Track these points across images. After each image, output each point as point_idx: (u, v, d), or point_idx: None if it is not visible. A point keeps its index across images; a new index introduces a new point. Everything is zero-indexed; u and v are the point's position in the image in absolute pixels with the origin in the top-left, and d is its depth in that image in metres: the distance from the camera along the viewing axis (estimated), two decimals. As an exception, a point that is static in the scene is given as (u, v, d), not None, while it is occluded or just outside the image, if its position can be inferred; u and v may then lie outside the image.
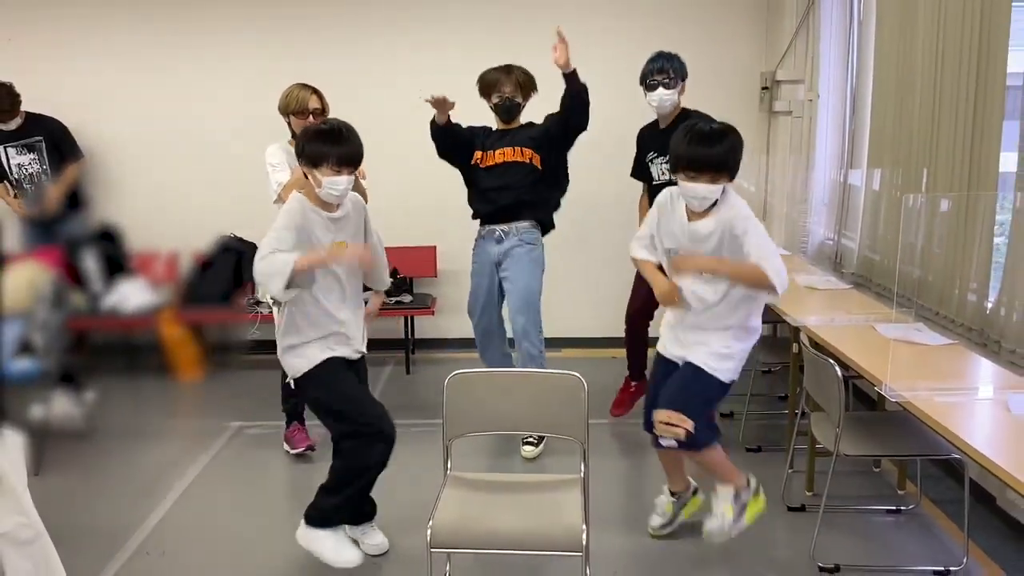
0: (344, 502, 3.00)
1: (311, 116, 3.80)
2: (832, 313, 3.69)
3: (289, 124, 3.90)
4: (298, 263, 2.74)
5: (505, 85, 3.88)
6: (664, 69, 3.89)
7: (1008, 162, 3.31)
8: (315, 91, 3.88)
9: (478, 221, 4.12)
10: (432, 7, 5.52)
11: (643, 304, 4.25)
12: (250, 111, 5.03)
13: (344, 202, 2.96)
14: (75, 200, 5.34)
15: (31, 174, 5.20)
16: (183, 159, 5.70)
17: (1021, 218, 3.18)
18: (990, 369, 3.04)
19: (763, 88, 5.47)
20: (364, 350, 3.14)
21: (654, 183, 4.13)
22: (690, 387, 2.95)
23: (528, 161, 3.92)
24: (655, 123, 4.15)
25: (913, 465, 3.58)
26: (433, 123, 3.90)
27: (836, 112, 5.00)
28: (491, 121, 4.07)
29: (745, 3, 5.50)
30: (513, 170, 3.93)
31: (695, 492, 3.30)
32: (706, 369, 2.93)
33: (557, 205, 4.14)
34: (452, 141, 3.94)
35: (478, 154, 3.98)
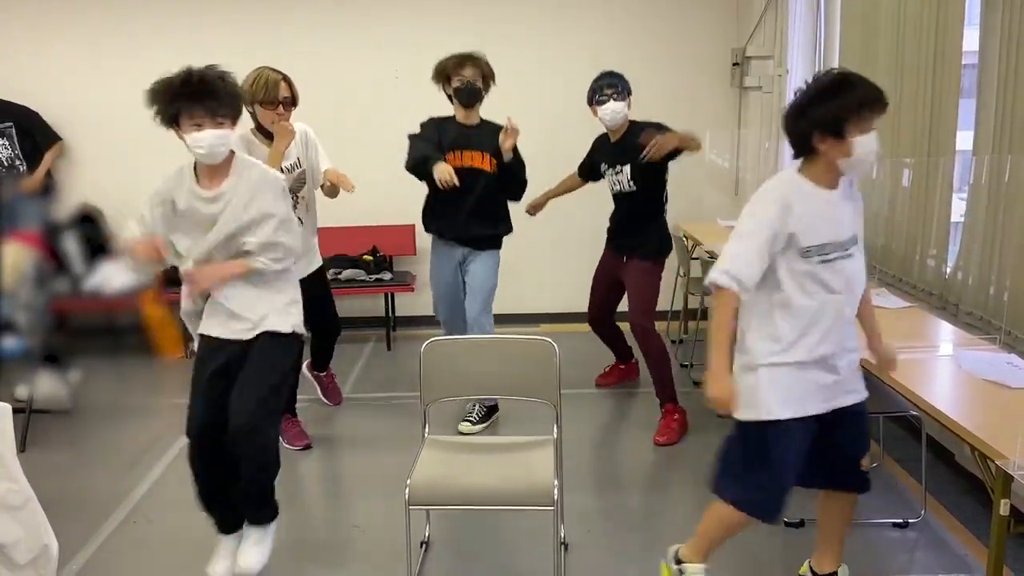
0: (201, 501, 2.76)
1: (280, 107, 3.46)
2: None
3: (253, 114, 3.49)
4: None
5: (466, 69, 3.74)
6: (613, 84, 3.86)
7: (964, 141, 3.42)
8: (284, 77, 3.52)
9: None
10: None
11: (598, 309, 4.31)
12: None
13: (233, 174, 2.59)
14: (46, 184, 5.33)
15: (1, 159, 5.18)
16: (154, 144, 5.68)
17: (978, 188, 3.30)
18: (948, 330, 3.17)
19: (734, 64, 5.55)
20: (278, 327, 2.69)
21: (613, 192, 4.09)
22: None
23: (492, 171, 3.86)
24: (606, 136, 4.09)
25: (877, 427, 3.71)
26: (423, 168, 3.75)
27: (805, 87, 5.09)
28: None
29: (716, -19, 5.59)
30: (478, 178, 3.85)
31: None
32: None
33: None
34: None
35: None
